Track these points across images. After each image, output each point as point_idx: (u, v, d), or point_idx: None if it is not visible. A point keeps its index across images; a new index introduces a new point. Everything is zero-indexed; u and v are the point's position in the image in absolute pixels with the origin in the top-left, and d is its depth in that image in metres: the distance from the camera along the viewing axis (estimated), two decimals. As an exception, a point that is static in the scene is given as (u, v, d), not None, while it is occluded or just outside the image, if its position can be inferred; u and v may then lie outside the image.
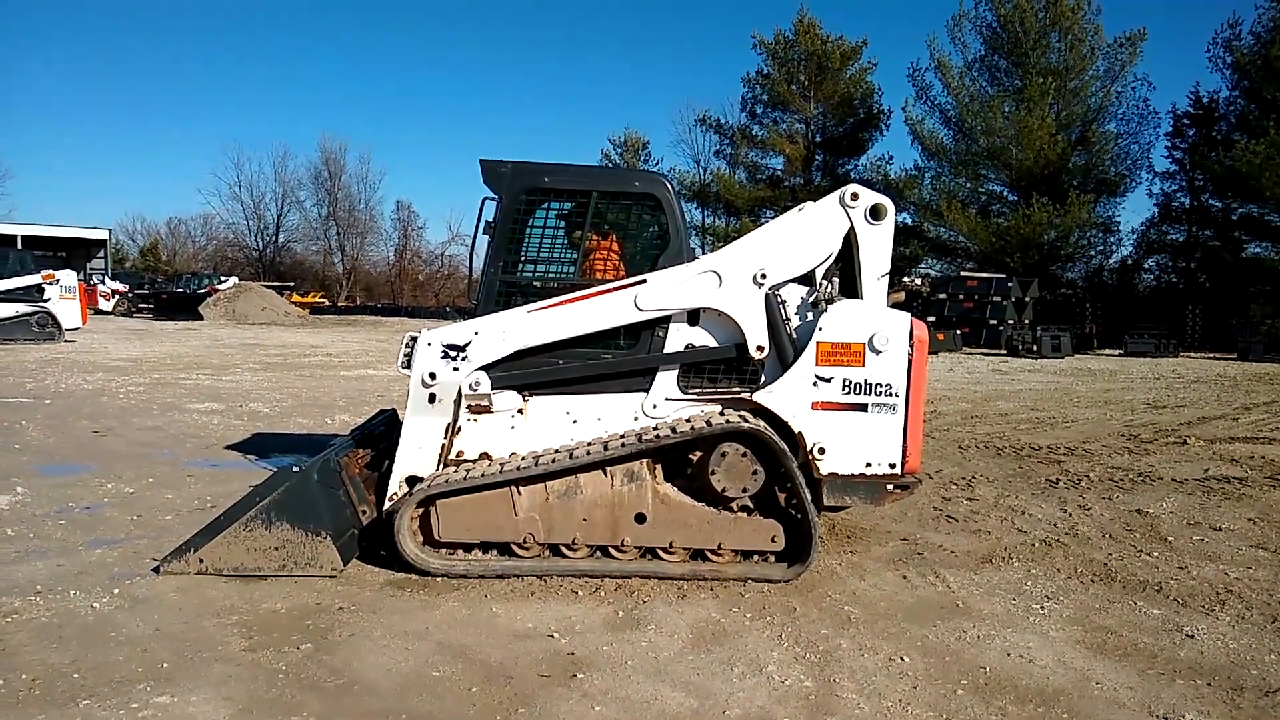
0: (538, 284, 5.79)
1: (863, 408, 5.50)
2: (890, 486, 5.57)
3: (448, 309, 54.23)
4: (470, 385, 5.41)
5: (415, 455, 5.51)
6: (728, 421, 5.34)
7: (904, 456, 5.52)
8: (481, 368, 5.47)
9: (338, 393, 14.06)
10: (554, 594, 5.08)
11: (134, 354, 20.26)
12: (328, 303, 59.01)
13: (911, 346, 5.53)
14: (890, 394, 5.49)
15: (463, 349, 5.45)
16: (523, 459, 5.43)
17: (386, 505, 5.42)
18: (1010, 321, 29.83)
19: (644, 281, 5.52)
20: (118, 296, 44.01)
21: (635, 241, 5.89)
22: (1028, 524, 6.86)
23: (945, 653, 4.43)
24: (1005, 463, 9.33)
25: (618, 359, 5.63)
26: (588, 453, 5.32)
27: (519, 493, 5.26)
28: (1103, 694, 4.00)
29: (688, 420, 5.52)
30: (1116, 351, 28.99)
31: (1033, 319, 30.82)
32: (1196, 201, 39.17)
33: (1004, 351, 27.75)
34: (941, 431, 11.34)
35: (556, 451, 5.48)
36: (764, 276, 5.58)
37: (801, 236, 5.73)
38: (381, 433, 6.30)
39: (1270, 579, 5.63)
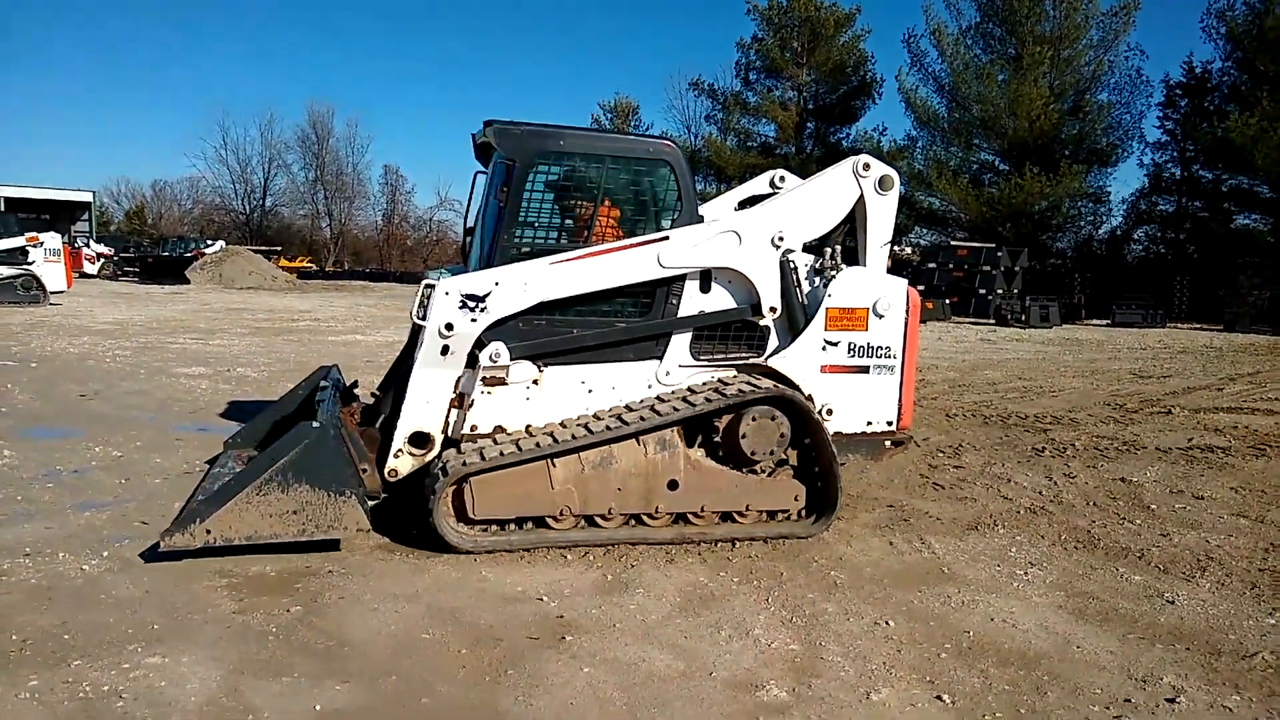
0: (551, 248, 5.65)
1: (865, 370, 5.90)
2: (888, 443, 6.00)
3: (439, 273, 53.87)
4: (490, 356, 5.25)
5: (422, 410, 5.37)
6: (761, 387, 5.50)
7: (899, 414, 5.97)
8: (499, 321, 5.33)
9: (326, 357, 13.99)
10: (543, 559, 5.11)
11: (120, 318, 20.13)
12: (315, 267, 58.63)
13: (908, 311, 5.93)
14: (889, 356, 5.92)
15: (482, 300, 5.28)
16: (544, 429, 5.39)
17: (390, 462, 5.34)
18: (999, 291, 29.87)
19: (666, 238, 5.54)
20: (103, 260, 43.59)
21: (647, 206, 5.85)
22: (1013, 491, 6.93)
23: (930, 617, 4.49)
24: (992, 431, 9.39)
25: (634, 325, 5.61)
26: (633, 419, 5.31)
27: (554, 465, 5.20)
28: (1083, 657, 4.07)
29: (714, 386, 5.62)
30: (1104, 322, 29.10)
31: (1022, 289, 30.85)
32: (1187, 172, 39.10)
33: (993, 321, 27.82)
34: (929, 400, 11.38)
35: (592, 420, 5.44)
36: (781, 239, 5.74)
37: (817, 202, 5.95)
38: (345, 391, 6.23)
39: (1250, 546, 5.70)
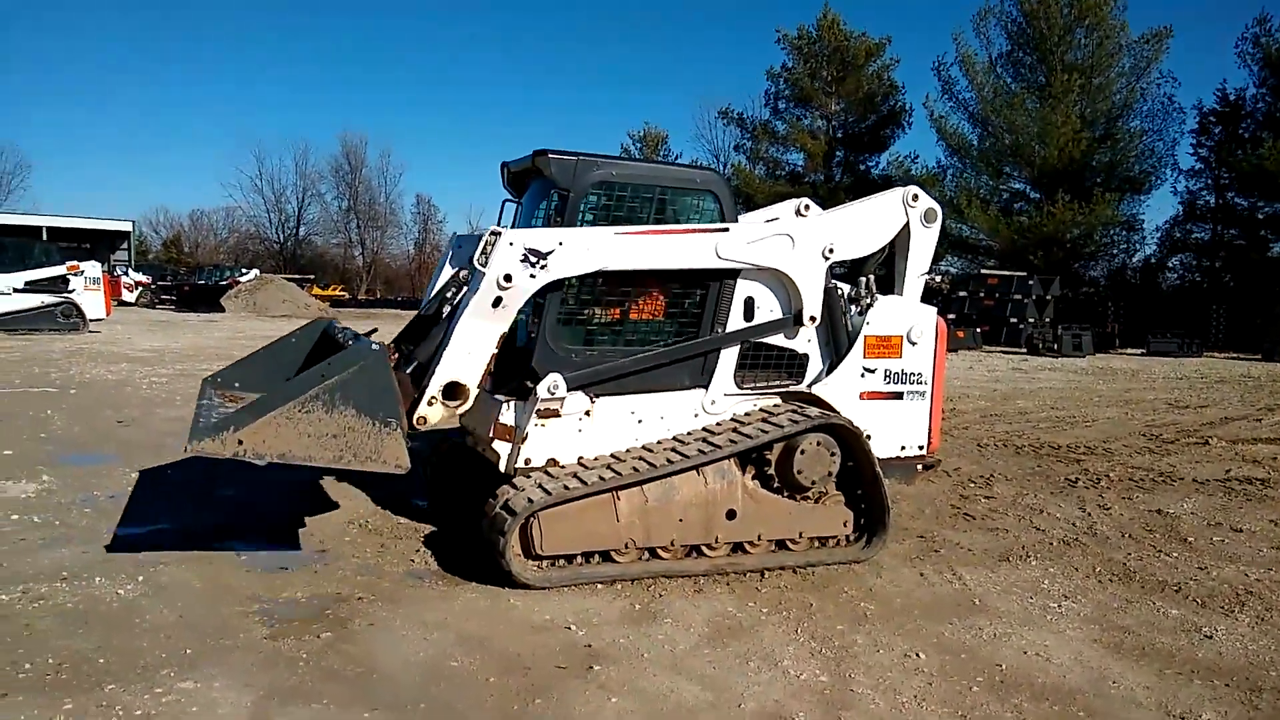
0: (601, 281, 5.59)
1: (899, 395, 6.09)
2: (919, 466, 6.24)
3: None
4: (549, 388, 5.17)
5: (462, 361, 5.18)
6: (813, 414, 5.60)
7: (930, 438, 6.16)
8: (557, 284, 5.27)
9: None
10: (571, 587, 5.11)
11: (157, 345, 20.44)
12: (347, 296, 59.36)
13: (937, 338, 6.16)
14: (921, 382, 6.12)
15: (544, 256, 5.14)
16: (600, 461, 5.36)
17: (420, 409, 5.15)
18: (1031, 320, 29.61)
19: (726, 230, 5.58)
20: (140, 288, 44.35)
21: None
22: (1046, 523, 6.84)
23: (961, 650, 4.43)
24: (1024, 461, 9.29)
25: (683, 346, 5.62)
26: (695, 450, 5.33)
27: (619, 498, 5.18)
28: (1119, 693, 4.00)
29: (764, 414, 5.70)
30: (1139, 351, 28.74)
31: (1054, 317, 30.56)
32: (1222, 200, 38.69)
33: (1024, 350, 27.55)
34: (961, 429, 11.29)
35: (645, 451, 5.44)
36: (831, 251, 5.83)
37: (866, 222, 6.13)
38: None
39: (1291, 581, 5.59)
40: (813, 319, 5.81)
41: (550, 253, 5.14)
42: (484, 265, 5.08)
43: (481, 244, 5.11)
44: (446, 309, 5.76)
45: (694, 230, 5.55)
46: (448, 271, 6.07)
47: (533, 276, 5.13)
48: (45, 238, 39.17)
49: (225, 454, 4.43)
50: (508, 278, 5.07)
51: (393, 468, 4.69)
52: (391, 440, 4.66)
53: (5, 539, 5.62)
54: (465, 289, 5.38)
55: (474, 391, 5.26)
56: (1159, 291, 39.42)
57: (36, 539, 5.65)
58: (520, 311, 5.32)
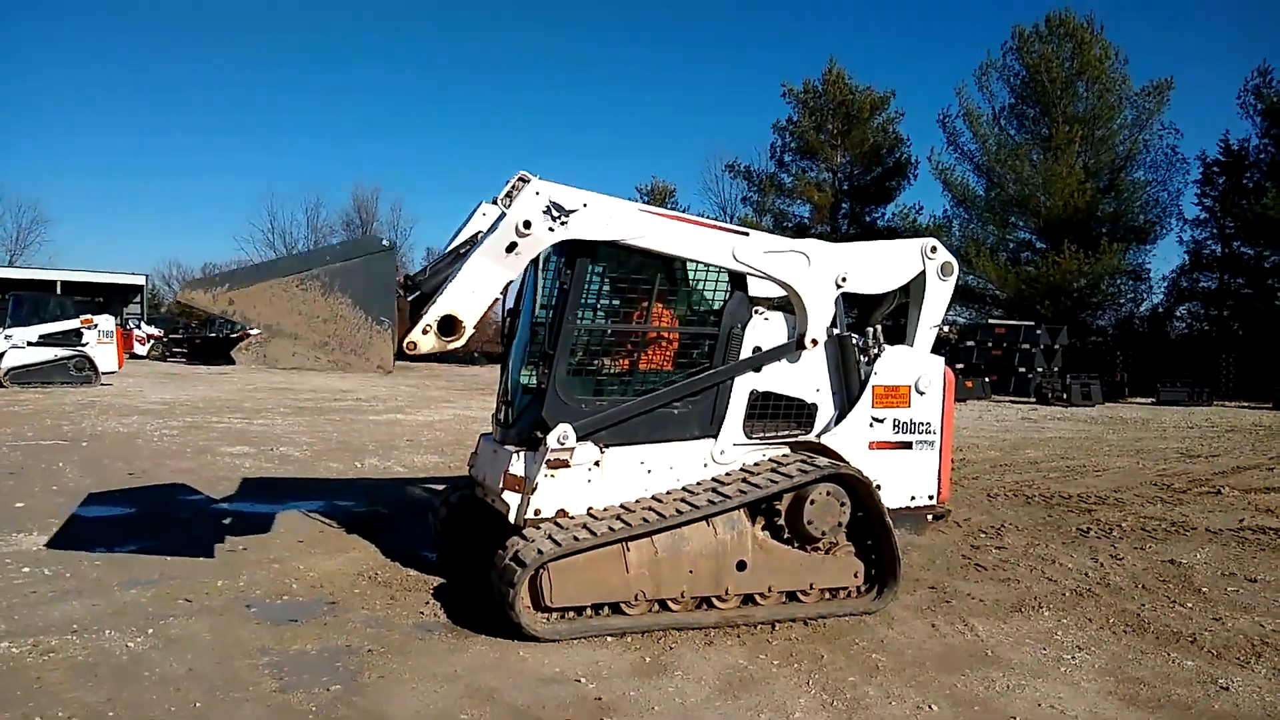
0: (610, 333, 5.73)
1: (908, 445, 6.08)
2: (929, 516, 6.23)
3: (476, 354, 54.49)
4: (559, 439, 5.20)
5: (465, 298, 5.05)
6: (822, 464, 5.61)
7: (939, 488, 6.14)
8: (580, 243, 5.25)
9: (367, 437, 14.19)
10: (581, 639, 5.08)
11: (168, 397, 20.57)
12: (358, 348, 59.51)
13: (944, 388, 6.17)
14: (930, 431, 6.13)
15: (567, 213, 5.13)
16: (609, 512, 5.36)
17: (413, 334, 5.00)
18: (1039, 369, 29.57)
19: (746, 234, 5.62)
20: (153, 341, 44.72)
21: (700, 287, 5.93)
22: (1058, 573, 6.80)
23: (974, 702, 4.40)
24: (1035, 511, 9.24)
25: (690, 382, 5.63)
26: (704, 501, 5.33)
27: (628, 549, 5.17)
28: (1135, 746, 3.96)
29: (774, 464, 5.71)
30: (1148, 400, 28.64)
31: (1062, 366, 30.52)
32: (1228, 249, 38.77)
33: (1033, 399, 27.49)
34: (970, 480, 11.25)
35: (655, 502, 5.44)
36: (844, 280, 5.86)
37: (883, 261, 6.19)
38: None
39: (1308, 631, 5.54)
40: (814, 342, 5.79)
41: (573, 211, 5.14)
42: (506, 207, 5.06)
43: (508, 185, 5.07)
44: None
45: (715, 226, 5.60)
46: (467, 231, 6.08)
47: (551, 230, 5.11)
48: (59, 292, 39.61)
49: (214, 309, 4.37)
50: (526, 224, 5.03)
51: (375, 368, 4.66)
52: (380, 340, 4.60)
53: (16, 591, 5.64)
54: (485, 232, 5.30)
55: (469, 331, 5.10)
56: (1167, 340, 39.38)
57: (47, 591, 5.67)
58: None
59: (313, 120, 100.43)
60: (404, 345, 5.01)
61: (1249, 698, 4.52)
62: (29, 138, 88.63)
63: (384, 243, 4.86)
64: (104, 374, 23.04)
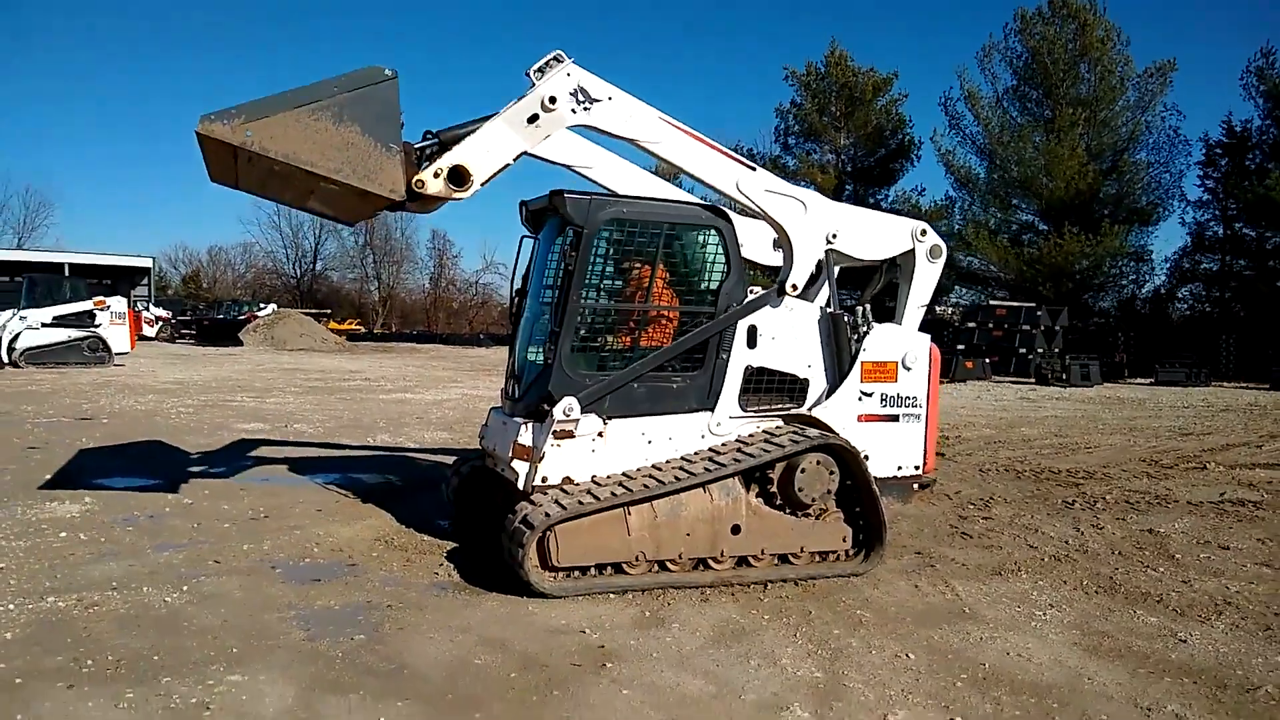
0: (615, 310, 6.07)
1: (895, 418, 6.45)
2: (915, 486, 6.59)
3: (481, 336, 54.95)
4: (564, 410, 5.59)
5: (479, 154, 5.31)
6: (812, 435, 5.94)
7: (925, 458, 6.52)
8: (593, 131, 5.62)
9: (377, 414, 14.56)
10: (585, 596, 5.45)
11: (180, 377, 20.96)
12: (363, 330, 60.01)
13: (930, 364, 6.51)
14: (916, 405, 6.48)
15: (591, 100, 5.45)
16: (613, 480, 5.71)
17: (423, 173, 5.21)
18: (1040, 350, 29.88)
19: (753, 169, 6.01)
20: (161, 323, 45.18)
21: (699, 269, 6.21)
22: (1040, 541, 7.14)
23: (948, 651, 4.75)
24: (1024, 485, 9.58)
25: (685, 339, 5.94)
26: (702, 469, 5.68)
27: (630, 514, 5.52)
28: (1093, 689, 4.31)
29: (767, 435, 6.05)
30: (1148, 381, 28.93)
31: (1063, 348, 30.82)
32: (1230, 230, 38.94)
33: (1033, 380, 27.80)
34: (964, 456, 11.59)
35: (656, 470, 5.77)
36: (834, 237, 6.30)
37: (873, 229, 6.59)
38: None
39: (1269, 593, 5.88)
40: (794, 287, 6.14)
41: (598, 101, 5.49)
42: (537, 80, 5.37)
43: (543, 60, 5.41)
44: None
45: (726, 153, 5.95)
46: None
47: (574, 111, 5.47)
48: (67, 274, 40.03)
49: (233, 140, 4.49)
50: (552, 100, 5.37)
51: (387, 191, 4.94)
52: (390, 164, 4.86)
53: (56, 554, 6.01)
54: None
55: (475, 186, 5.35)
56: (1169, 322, 39.63)
57: (85, 554, 6.04)
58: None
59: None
60: (412, 183, 5.20)
61: (1204, 650, 4.86)
62: (36, 122, 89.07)
63: (386, 72, 4.97)
64: (117, 354, 23.46)
